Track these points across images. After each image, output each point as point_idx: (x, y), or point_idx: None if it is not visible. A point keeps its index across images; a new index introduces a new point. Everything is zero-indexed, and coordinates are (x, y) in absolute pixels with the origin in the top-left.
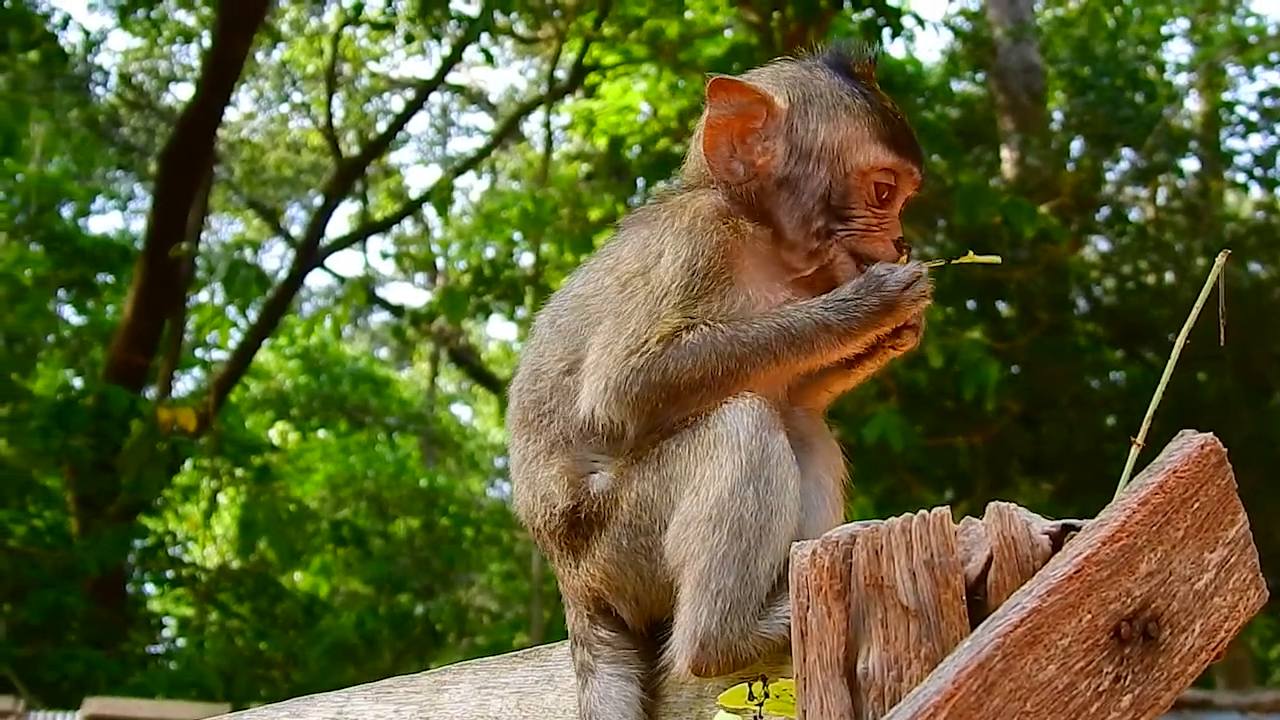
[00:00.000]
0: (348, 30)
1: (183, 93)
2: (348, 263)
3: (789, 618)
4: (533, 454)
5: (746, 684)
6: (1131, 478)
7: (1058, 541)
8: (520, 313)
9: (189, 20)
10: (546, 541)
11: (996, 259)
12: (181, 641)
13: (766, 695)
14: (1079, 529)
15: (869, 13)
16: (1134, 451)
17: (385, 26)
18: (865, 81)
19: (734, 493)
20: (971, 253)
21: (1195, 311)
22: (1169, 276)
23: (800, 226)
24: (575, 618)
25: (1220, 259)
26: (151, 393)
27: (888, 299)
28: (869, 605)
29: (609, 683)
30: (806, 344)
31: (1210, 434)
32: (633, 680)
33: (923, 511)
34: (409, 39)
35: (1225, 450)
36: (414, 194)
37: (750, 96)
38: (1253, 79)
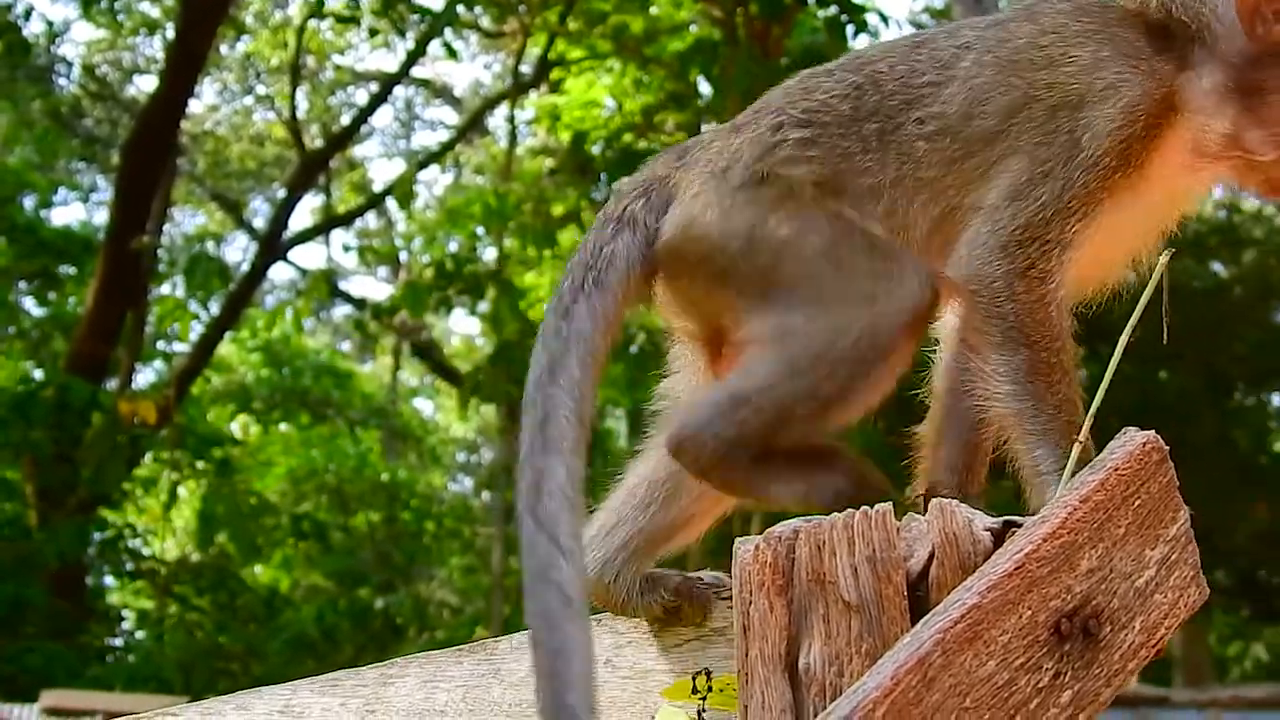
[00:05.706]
0: (312, 23)
1: (146, 84)
2: (310, 256)
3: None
4: None
5: (690, 677)
6: (1074, 475)
7: (999, 538)
8: (482, 307)
9: (153, 12)
10: None
11: None
12: (141, 634)
13: (710, 689)
14: (1020, 525)
15: (833, 9)
16: (1075, 449)
17: (349, 20)
18: None
19: None
20: None
21: (1137, 312)
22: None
23: None
24: None
25: (1163, 259)
26: (113, 385)
27: None
28: (811, 601)
29: None
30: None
31: (1152, 432)
32: None
33: (865, 507)
34: (373, 32)
35: (1167, 448)
36: (377, 188)
37: None
38: None
